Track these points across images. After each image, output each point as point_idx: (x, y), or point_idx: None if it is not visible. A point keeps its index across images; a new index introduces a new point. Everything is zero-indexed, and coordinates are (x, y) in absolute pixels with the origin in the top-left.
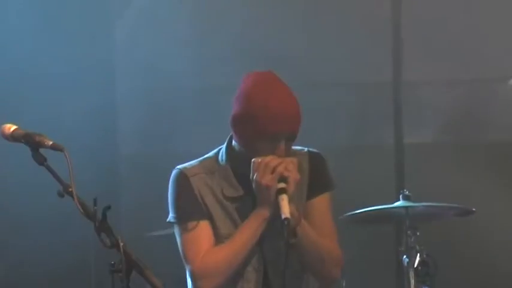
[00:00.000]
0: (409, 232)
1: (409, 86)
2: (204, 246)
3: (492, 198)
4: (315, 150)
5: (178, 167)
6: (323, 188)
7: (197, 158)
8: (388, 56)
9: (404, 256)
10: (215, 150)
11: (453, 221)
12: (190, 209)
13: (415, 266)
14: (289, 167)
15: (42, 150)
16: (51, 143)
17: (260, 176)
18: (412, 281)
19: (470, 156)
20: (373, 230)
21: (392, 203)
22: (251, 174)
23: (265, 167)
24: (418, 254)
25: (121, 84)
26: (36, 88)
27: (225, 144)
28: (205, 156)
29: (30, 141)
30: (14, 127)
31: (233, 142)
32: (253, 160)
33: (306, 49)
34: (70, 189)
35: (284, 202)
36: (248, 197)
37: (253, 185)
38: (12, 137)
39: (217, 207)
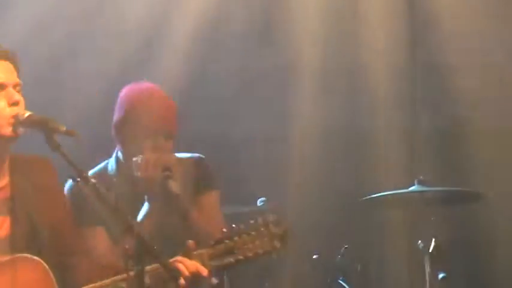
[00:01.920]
0: (423, 217)
1: (426, 70)
2: (101, 250)
3: (506, 183)
4: (200, 155)
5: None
6: (208, 186)
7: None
8: (405, 39)
9: (420, 241)
10: (103, 163)
11: (468, 206)
12: (85, 215)
13: (430, 251)
14: (168, 158)
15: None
16: (64, 128)
17: (143, 171)
18: (427, 266)
19: (485, 141)
20: (388, 215)
21: (407, 188)
22: (134, 173)
23: (146, 163)
24: (433, 239)
25: None
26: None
27: (114, 156)
28: (96, 168)
29: (44, 127)
30: (28, 113)
31: (119, 153)
32: (133, 160)
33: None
34: (84, 174)
35: (172, 183)
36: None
37: (139, 182)
38: (27, 123)
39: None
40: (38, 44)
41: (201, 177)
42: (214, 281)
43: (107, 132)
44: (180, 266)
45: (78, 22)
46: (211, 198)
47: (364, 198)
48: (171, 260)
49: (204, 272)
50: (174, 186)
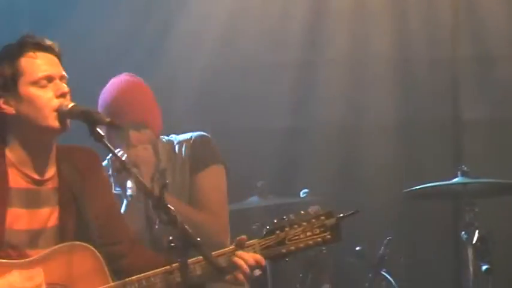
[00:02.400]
0: (467, 208)
1: (467, 61)
2: None
3: None
4: (200, 132)
5: None
6: (203, 164)
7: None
8: (446, 32)
9: (463, 232)
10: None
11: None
12: None
13: (474, 242)
14: (140, 153)
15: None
16: (107, 119)
17: (112, 169)
18: (471, 257)
19: None
20: (431, 206)
21: (451, 179)
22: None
23: (113, 161)
24: (477, 231)
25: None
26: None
27: None
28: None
29: (88, 118)
30: (72, 104)
31: None
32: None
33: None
34: (127, 166)
35: (132, 183)
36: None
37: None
38: (70, 114)
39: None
40: None
41: (198, 155)
42: (258, 272)
43: None
44: (240, 262)
45: None
46: (210, 174)
47: (407, 190)
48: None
49: (263, 261)
50: (134, 185)
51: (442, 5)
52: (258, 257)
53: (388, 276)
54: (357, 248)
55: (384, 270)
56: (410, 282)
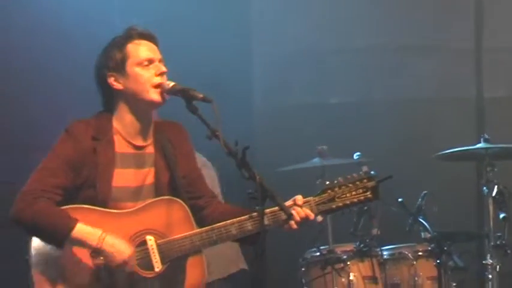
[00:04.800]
0: (488, 168)
1: (489, 51)
2: None
3: None
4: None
5: None
6: None
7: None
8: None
9: (484, 187)
10: None
11: None
12: None
13: (493, 195)
14: None
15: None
16: (201, 95)
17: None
18: (491, 208)
19: None
20: (459, 167)
21: (475, 145)
22: None
23: None
24: (496, 186)
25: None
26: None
27: None
28: None
29: (185, 94)
30: (172, 83)
31: None
32: None
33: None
34: (217, 133)
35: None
36: None
37: None
38: (171, 91)
39: None
40: None
41: None
42: (319, 218)
43: None
44: (294, 212)
45: None
46: None
47: (439, 153)
48: (287, 204)
49: (311, 216)
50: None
51: None
52: (309, 212)
53: (424, 222)
54: (399, 200)
55: (421, 217)
56: (441, 227)
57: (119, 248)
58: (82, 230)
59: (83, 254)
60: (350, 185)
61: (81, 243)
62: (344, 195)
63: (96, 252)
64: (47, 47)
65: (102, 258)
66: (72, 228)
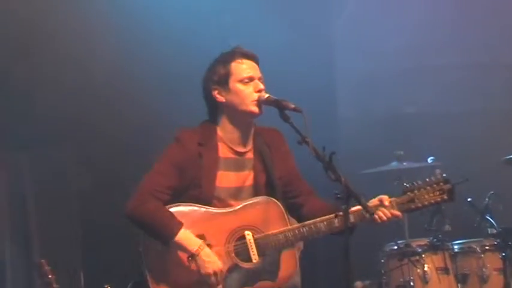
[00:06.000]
0: None
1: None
2: None
3: None
4: None
5: None
6: None
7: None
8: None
9: None
10: None
11: None
12: None
13: None
14: None
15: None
16: (293, 106)
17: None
18: None
19: None
20: None
21: None
22: None
23: None
24: None
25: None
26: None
27: None
28: None
29: (279, 104)
30: (267, 95)
31: None
32: None
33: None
34: (307, 139)
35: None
36: None
37: None
38: (266, 102)
39: None
40: None
41: None
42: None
43: None
44: (380, 213)
45: None
46: None
47: (506, 158)
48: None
49: (400, 216)
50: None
51: None
52: (396, 213)
53: (491, 219)
54: (468, 199)
55: (488, 215)
56: (506, 224)
57: (214, 259)
58: (185, 236)
59: (184, 257)
60: (428, 187)
61: (182, 247)
62: (422, 197)
63: (192, 257)
64: (170, 57)
65: (194, 264)
66: (176, 233)
